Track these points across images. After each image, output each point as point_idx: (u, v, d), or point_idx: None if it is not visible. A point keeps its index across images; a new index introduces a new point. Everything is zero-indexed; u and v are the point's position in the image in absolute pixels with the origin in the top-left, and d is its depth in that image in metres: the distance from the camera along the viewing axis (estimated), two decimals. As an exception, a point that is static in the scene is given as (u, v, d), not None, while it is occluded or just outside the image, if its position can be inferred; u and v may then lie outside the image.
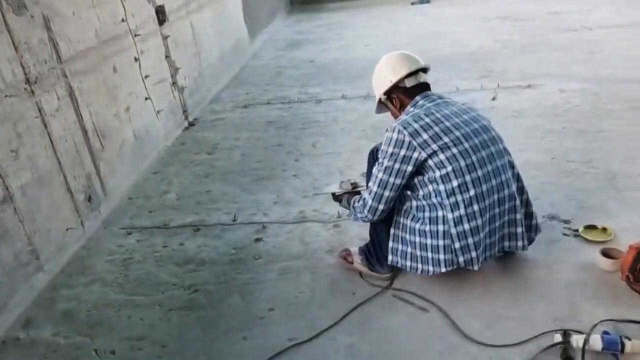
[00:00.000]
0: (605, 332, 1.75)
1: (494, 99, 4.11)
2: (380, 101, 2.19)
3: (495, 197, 1.98)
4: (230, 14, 5.77)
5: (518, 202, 2.05)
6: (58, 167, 2.61)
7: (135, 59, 3.50)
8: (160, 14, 3.93)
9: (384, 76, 2.12)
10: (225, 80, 5.35)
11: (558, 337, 1.78)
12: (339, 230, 2.61)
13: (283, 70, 5.67)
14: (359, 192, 2.28)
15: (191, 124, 4.32)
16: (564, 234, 2.39)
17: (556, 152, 3.16)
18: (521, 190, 2.11)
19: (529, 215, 2.15)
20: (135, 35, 3.51)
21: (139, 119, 3.51)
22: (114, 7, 3.29)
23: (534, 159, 3.10)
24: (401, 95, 2.10)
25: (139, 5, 3.62)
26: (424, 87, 2.10)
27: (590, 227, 2.38)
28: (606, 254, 2.14)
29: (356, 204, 2.14)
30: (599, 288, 2.04)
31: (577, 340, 1.74)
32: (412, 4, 8.59)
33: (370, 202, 2.05)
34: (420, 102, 2.05)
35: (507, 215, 2.03)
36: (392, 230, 2.12)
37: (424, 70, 2.13)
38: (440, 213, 1.96)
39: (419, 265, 2.05)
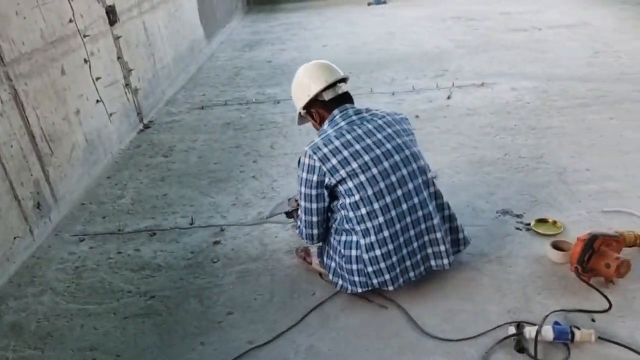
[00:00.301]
0: (557, 323, 1.81)
1: (449, 97, 4.19)
2: (300, 115, 2.16)
3: (408, 219, 1.97)
4: (185, 15, 5.68)
5: (436, 221, 2.02)
6: (3, 173, 2.50)
7: (85, 61, 3.39)
8: (111, 14, 3.82)
9: (302, 90, 2.08)
10: (181, 82, 5.26)
11: (512, 329, 1.83)
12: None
13: (240, 71, 5.62)
14: None
15: (146, 127, 4.22)
16: (517, 228, 2.45)
17: (509, 149, 3.25)
18: (441, 207, 2.09)
19: (454, 230, 2.14)
20: (85, 36, 3.40)
21: (91, 122, 3.40)
22: (60, 7, 3.17)
23: (487, 156, 3.18)
24: (320, 109, 2.06)
25: (87, 5, 3.51)
26: (345, 97, 2.06)
27: (542, 221, 2.46)
28: (556, 246, 2.22)
29: (297, 230, 2.18)
30: (550, 280, 2.10)
31: (529, 332, 1.79)
32: (369, 4, 8.66)
33: (304, 230, 2.10)
34: (337, 119, 2.00)
35: (425, 235, 2.03)
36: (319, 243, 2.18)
37: (344, 80, 2.09)
38: (353, 238, 1.99)
39: (340, 281, 2.09)
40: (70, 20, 3.26)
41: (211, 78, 5.46)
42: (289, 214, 2.44)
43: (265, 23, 8.16)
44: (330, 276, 2.12)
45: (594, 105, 3.78)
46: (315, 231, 2.08)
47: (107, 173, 3.47)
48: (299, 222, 2.14)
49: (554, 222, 2.44)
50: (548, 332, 1.77)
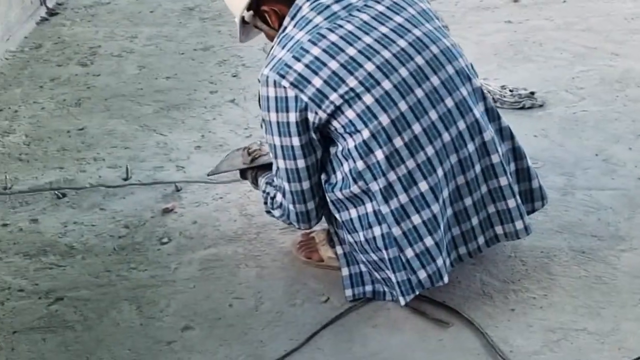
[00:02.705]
0: None
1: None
2: (245, 22, 2.15)
3: (454, 159, 1.98)
4: None
5: (497, 158, 2.03)
6: None
7: None
8: None
9: None
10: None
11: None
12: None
13: None
14: (264, 166, 2.28)
15: (51, 13, 4.23)
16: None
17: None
18: (504, 134, 2.09)
19: (524, 173, 2.14)
20: None
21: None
22: None
23: (636, 70, 3.18)
24: (276, 3, 2.07)
25: None
26: None
27: None
28: None
29: (274, 211, 2.17)
30: None
31: None
32: None
33: (291, 208, 2.08)
34: (306, 13, 1.99)
35: (483, 184, 2.03)
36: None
37: None
38: (369, 207, 1.97)
39: (381, 288, 2.12)
40: None
41: None
42: (243, 174, 2.43)
43: None
44: (368, 288, 2.14)
45: None
46: (310, 205, 2.07)
47: (-14, 91, 3.51)
48: (280, 197, 2.11)
49: None
50: None
